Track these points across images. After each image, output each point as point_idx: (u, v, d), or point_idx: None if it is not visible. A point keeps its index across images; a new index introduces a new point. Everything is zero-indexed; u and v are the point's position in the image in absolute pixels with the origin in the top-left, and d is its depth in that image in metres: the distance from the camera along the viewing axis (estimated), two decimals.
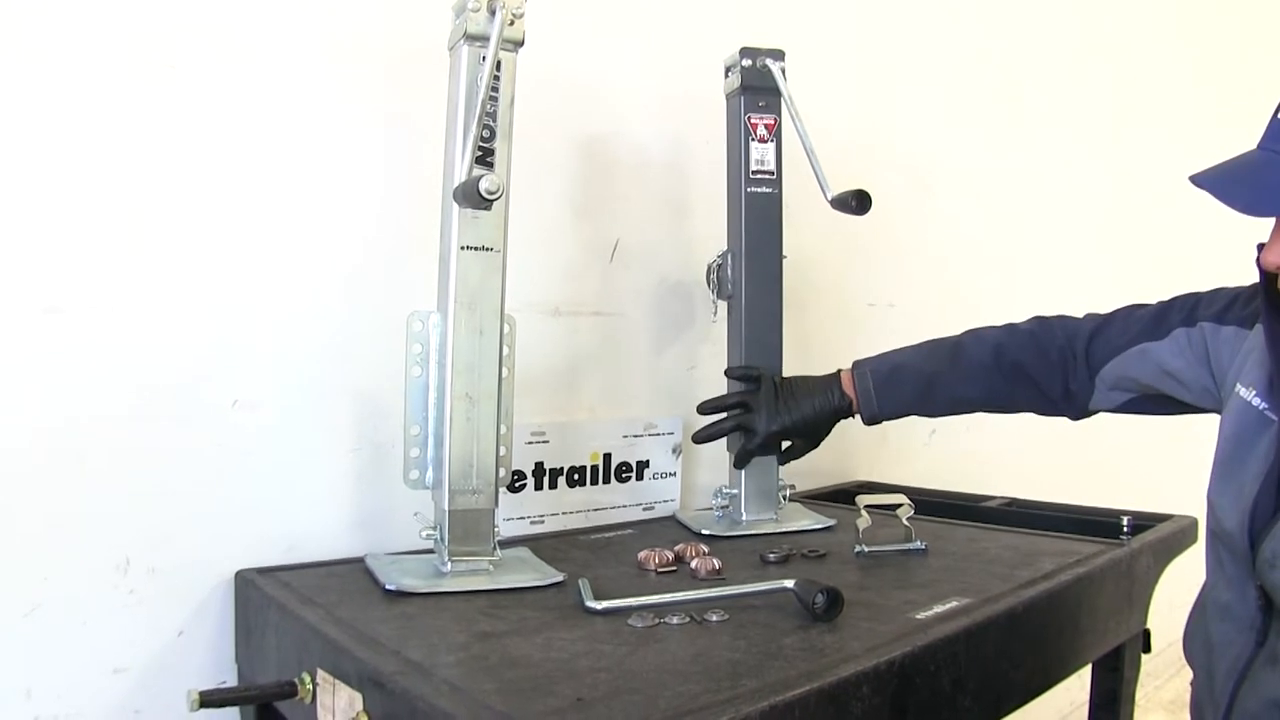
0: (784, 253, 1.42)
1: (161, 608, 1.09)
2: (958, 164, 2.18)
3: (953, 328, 1.34)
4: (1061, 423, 1.29)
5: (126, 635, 1.07)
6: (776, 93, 1.38)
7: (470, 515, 1.09)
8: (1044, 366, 1.23)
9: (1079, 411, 1.25)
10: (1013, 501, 1.61)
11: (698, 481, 1.59)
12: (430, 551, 1.12)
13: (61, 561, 1.03)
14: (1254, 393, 1.00)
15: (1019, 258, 2.37)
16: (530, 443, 1.37)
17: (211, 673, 1.12)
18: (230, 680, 1.13)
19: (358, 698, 0.84)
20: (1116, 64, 2.76)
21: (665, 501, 1.53)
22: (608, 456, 1.47)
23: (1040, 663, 1.09)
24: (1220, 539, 1.01)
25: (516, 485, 1.36)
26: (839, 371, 1.33)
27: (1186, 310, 1.13)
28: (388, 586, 1.05)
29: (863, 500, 1.27)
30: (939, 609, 0.99)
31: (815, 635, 0.91)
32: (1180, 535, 1.38)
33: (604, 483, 1.46)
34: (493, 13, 1.04)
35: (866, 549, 1.24)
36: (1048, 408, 1.26)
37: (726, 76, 1.43)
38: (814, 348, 1.79)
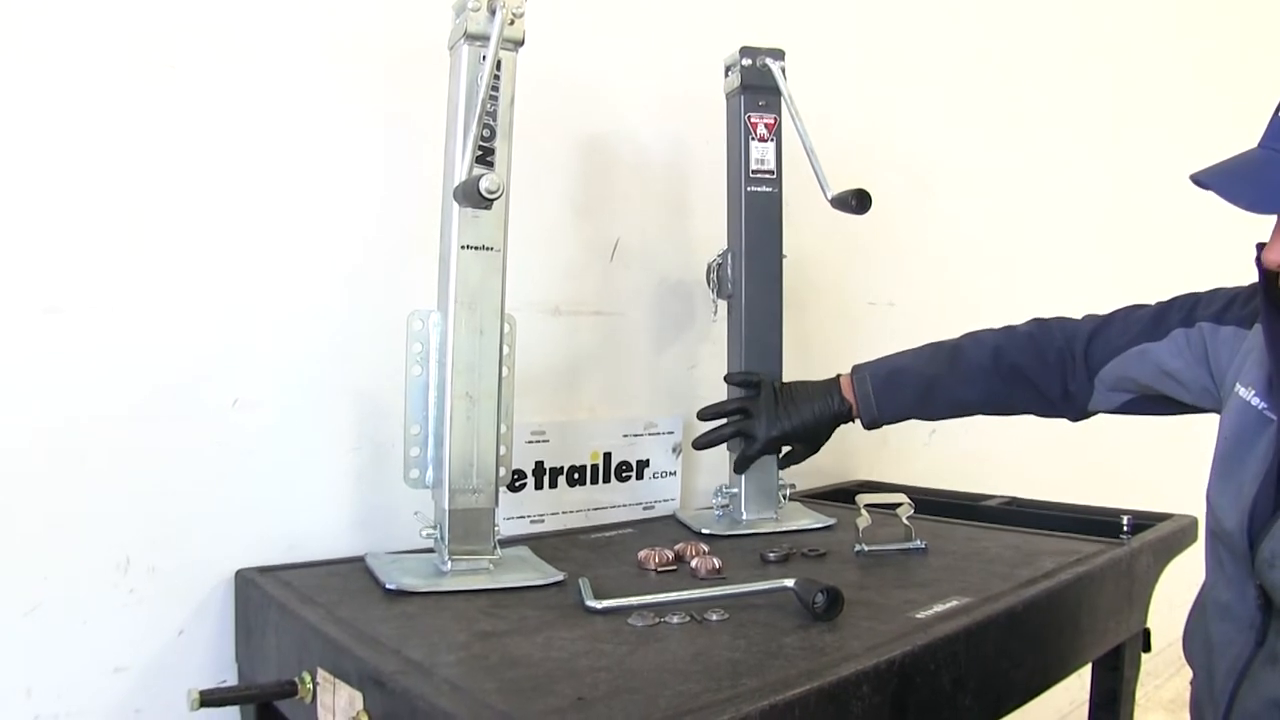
0: (784, 252, 1.42)
1: (162, 607, 1.09)
2: (958, 164, 2.18)
3: (953, 327, 1.34)
4: (1061, 422, 1.29)
5: (127, 634, 1.07)
6: (776, 92, 1.38)
7: (470, 514, 1.09)
8: (1042, 368, 1.23)
9: (1078, 413, 1.25)
10: (1013, 501, 1.61)
11: (698, 481, 1.59)
12: (430, 551, 1.12)
13: (62, 561, 1.03)
14: (1253, 392, 1.00)
15: (1019, 257, 2.37)
16: (530, 442, 1.38)
17: (212, 672, 1.12)
18: (230, 679, 1.13)
19: (358, 697, 0.84)
20: (1116, 64, 2.76)
21: (665, 501, 1.53)
22: (608, 456, 1.47)
23: (1040, 662, 1.09)
24: (1220, 538, 1.01)
25: (517, 484, 1.36)
26: (838, 376, 1.33)
27: (1185, 311, 1.13)
28: (388, 586, 1.05)
29: (863, 499, 1.27)
30: (939, 608, 0.99)
31: (815, 634, 0.91)
32: (1180, 535, 1.38)
33: (604, 482, 1.46)
34: (493, 12, 1.04)
35: (867, 548, 1.24)
36: (1047, 409, 1.26)
37: (726, 76, 1.43)
38: (814, 347, 1.79)
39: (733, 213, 1.43)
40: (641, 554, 1.18)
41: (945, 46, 2.15)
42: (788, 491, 1.45)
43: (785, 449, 1.36)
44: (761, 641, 0.89)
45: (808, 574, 1.02)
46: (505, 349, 1.12)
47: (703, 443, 1.34)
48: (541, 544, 1.25)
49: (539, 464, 1.39)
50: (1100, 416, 1.26)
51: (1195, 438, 1.22)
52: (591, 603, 0.99)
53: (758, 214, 1.41)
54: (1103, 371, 1.20)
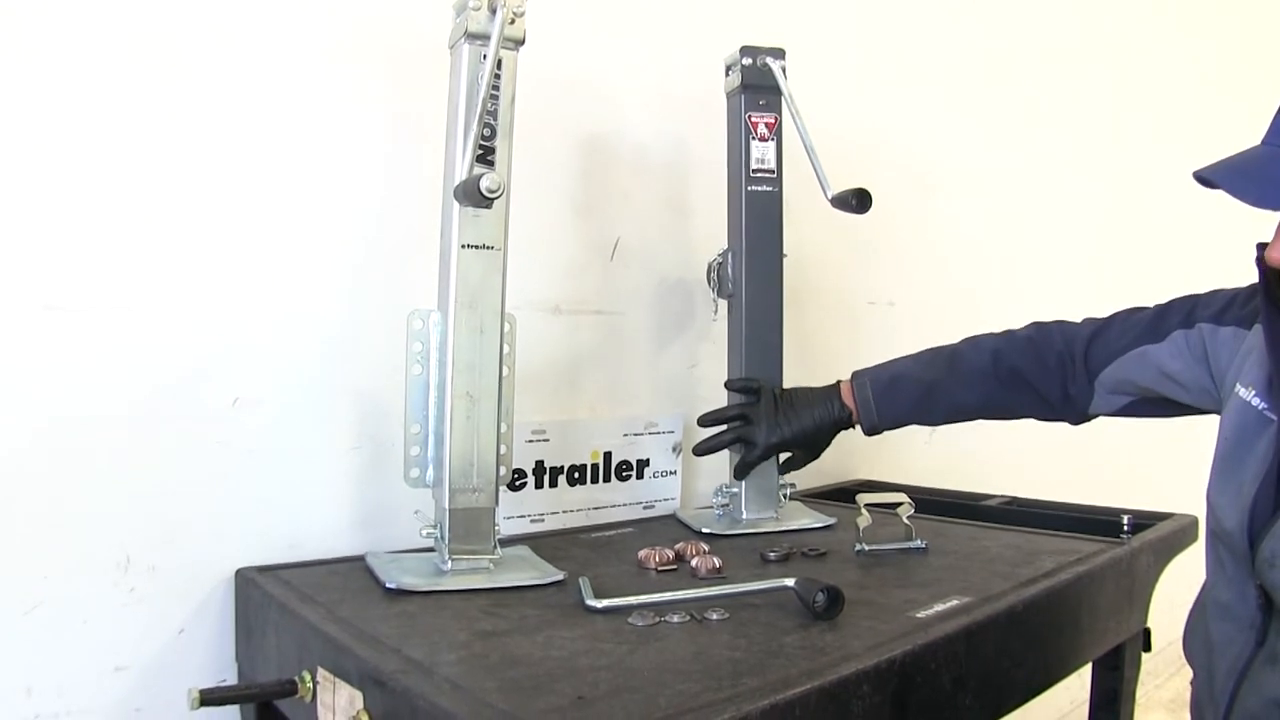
0: (784, 251, 1.42)
1: (162, 606, 1.09)
2: (958, 163, 2.18)
3: (953, 326, 1.34)
4: (1061, 424, 1.29)
5: (127, 633, 1.07)
6: (777, 91, 1.38)
7: (471, 513, 1.09)
8: (1042, 372, 1.23)
9: (1079, 416, 1.25)
10: (1013, 500, 1.61)
11: (698, 480, 1.59)
12: (431, 550, 1.12)
13: (62, 560, 1.03)
14: (1253, 392, 1.00)
15: (1019, 257, 2.37)
16: (531, 441, 1.38)
17: (212, 671, 1.12)
18: (231, 678, 1.13)
19: (358, 696, 0.84)
20: (1117, 64, 2.76)
21: (665, 500, 1.53)
22: (608, 455, 1.47)
23: (1041, 661, 1.09)
24: (1220, 538, 1.01)
25: (517, 484, 1.36)
26: (838, 382, 1.33)
27: (1184, 312, 1.13)
28: (388, 585, 1.05)
29: (863, 499, 1.27)
30: (939, 607, 0.99)
31: (816, 634, 0.91)
32: (1180, 534, 1.38)
33: (604, 481, 1.46)
34: (493, 11, 1.04)
35: (867, 548, 1.24)
36: (1047, 413, 1.26)
37: (727, 75, 1.43)
38: (814, 346, 1.79)
39: (733, 212, 1.43)
40: (642, 553, 1.18)
41: (945, 46, 2.14)
42: (788, 491, 1.45)
43: (785, 455, 1.36)
44: (762, 641, 0.89)
45: (808, 573, 1.02)
46: (505, 348, 1.12)
47: (703, 449, 1.34)
48: (542, 543, 1.25)
49: (539, 463, 1.39)
50: (1100, 417, 1.26)
51: (1195, 438, 1.22)
52: (592, 602, 0.99)
53: (758, 213, 1.41)
54: (1103, 374, 1.20)
